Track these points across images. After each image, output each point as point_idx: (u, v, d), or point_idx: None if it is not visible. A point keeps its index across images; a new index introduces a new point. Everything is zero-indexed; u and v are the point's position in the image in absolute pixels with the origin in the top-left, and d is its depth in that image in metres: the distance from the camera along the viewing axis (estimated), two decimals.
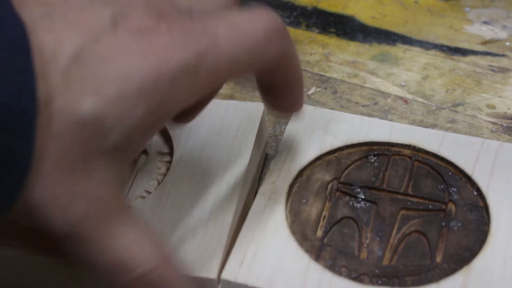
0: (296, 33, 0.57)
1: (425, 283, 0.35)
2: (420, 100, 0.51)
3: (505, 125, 0.49)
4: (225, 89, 0.53)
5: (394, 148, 0.42)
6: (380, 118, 0.49)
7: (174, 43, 0.30)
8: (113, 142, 0.29)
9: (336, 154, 0.42)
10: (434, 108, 0.51)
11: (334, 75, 0.54)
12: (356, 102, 0.51)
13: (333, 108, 0.51)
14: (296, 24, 0.58)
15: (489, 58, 0.55)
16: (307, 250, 0.37)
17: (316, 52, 0.55)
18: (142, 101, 0.29)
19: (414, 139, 0.42)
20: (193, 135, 0.43)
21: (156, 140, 0.43)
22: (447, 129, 0.49)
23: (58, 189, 0.29)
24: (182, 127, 0.43)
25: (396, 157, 0.42)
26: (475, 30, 0.58)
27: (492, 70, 0.54)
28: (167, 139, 0.43)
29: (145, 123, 0.30)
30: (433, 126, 0.49)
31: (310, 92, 0.52)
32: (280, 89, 0.36)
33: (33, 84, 0.27)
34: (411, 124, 0.49)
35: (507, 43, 0.56)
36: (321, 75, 0.54)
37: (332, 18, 0.58)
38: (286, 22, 0.58)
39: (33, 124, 0.27)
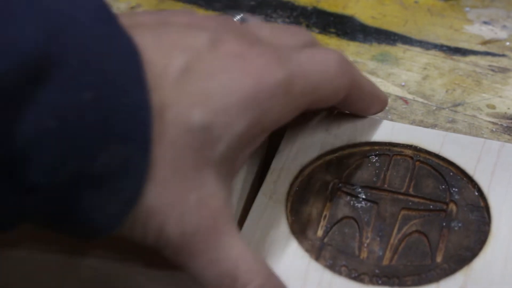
0: None
1: (425, 283, 0.36)
2: (420, 100, 0.51)
3: (505, 125, 0.49)
4: None
5: (395, 148, 0.42)
6: (380, 118, 0.49)
7: (269, 64, 0.34)
8: (220, 153, 0.32)
9: (337, 154, 0.42)
10: (434, 108, 0.51)
11: None
12: None
13: None
14: (296, 24, 0.58)
15: (489, 58, 0.55)
16: (307, 250, 0.37)
17: None
18: (245, 114, 0.32)
19: (415, 139, 0.42)
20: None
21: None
22: (447, 129, 0.49)
23: (174, 197, 0.31)
24: None
25: (397, 157, 0.42)
26: (475, 30, 0.58)
27: (492, 70, 0.54)
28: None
29: (247, 135, 0.33)
30: (433, 126, 0.49)
31: None
32: (359, 105, 0.41)
33: (148, 95, 0.30)
34: (411, 124, 0.49)
35: (507, 43, 0.56)
36: None
37: (332, 18, 0.58)
38: (286, 22, 0.58)
39: (149, 133, 0.29)
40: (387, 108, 0.51)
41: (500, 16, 0.59)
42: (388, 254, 0.37)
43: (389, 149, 0.42)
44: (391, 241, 0.38)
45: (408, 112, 0.50)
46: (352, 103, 0.41)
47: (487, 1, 0.61)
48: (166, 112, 0.30)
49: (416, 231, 0.38)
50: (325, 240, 0.38)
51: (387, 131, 0.43)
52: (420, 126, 0.49)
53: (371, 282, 0.36)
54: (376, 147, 0.42)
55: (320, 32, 0.57)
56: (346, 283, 0.36)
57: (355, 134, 0.42)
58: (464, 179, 0.40)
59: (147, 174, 0.30)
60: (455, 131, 0.49)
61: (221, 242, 0.32)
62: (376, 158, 0.42)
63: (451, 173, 0.41)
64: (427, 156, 0.42)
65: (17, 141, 0.27)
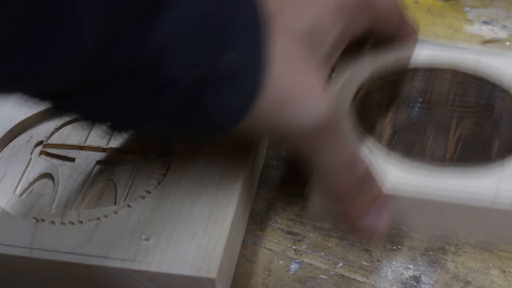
0: None
1: (485, 176, 0.39)
2: None
3: None
4: None
5: (435, 73, 0.46)
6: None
7: None
8: (322, 54, 0.37)
9: (387, 79, 0.46)
10: None
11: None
12: None
13: None
14: None
15: None
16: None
17: None
18: (339, 19, 0.38)
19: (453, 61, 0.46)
20: None
21: (155, 140, 0.43)
22: None
23: (295, 88, 0.34)
24: None
25: (438, 78, 0.46)
26: (475, 30, 0.58)
27: None
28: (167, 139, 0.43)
29: (340, 39, 0.39)
30: None
31: None
32: (398, 27, 0.45)
33: (259, 6, 0.34)
34: None
35: (507, 43, 0.56)
36: None
37: None
38: None
39: (265, 34, 0.34)
40: None
41: (500, 16, 0.59)
42: (448, 155, 0.41)
43: (429, 74, 0.46)
44: (449, 143, 0.42)
45: None
46: (402, 26, 0.45)
47: (486, 1, 0.61)
48: (273, 23, 0.34)
49: (470, 133, 0.42)
50: (390, 147, 0.41)
51: (426, 56, 0.47)
52: None
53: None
54: (417, 73, 0.46)
55: None
56: (422, 165, 0.40)
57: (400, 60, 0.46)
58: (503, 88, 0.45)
59: (268, 69, 0.33)
60: None
61: (343, 130, 0.35)
62: (421, 80, 0.46)
63: (489, 85, 0.45)
64: (465, 77, 0.46)
65: (154, 43, 0.30)
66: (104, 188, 0.41)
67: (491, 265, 0.41)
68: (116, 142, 0.44)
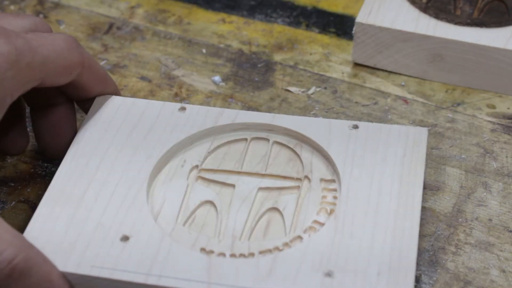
0: (296, 33, 0.57)
1: (505, 26, 0.51)
2: (420, 100, 0.51)
3: (505, 125, 0.49)
4: (224, 88, 0.53)
5: None
6: (380, 118, 0.49)
7: None
8: None
9: None
10: (434, 108, 0.51)
11: (334, 75, 0.54)
12: (356, 102, 0.51)
13: (332, 108, 0.51)
14: (296, 24, 0.58)
15: None
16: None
17: (316, 52, 0.55)
18: None
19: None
20: (358, 161, 0.42)
21: (318, 166, 0.43)
22: (447, 129, 0.49)
23: None
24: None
25: None
26: None
27: None
28: (331, 165, 0.42)
29: None
30: (433, 125, 0.49)
31: (310, 91, 0.52)
32: (94, 85, 0.45)
33: None
34: (411, 124, 0.49)
35: None
36: (321, 75, 0.54)
37: (332, 18, 0.58)
38: (286, 22, 0.58)
39: None
40: (387, 107, 0.51)
41: None
42: (476, 13, 0.51)
43: None
44: (478, 5, 0.52)
45: (408, 112, 0.50)
46: (87, 82, 0.45)
47: None
48: None
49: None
50: (429, 4, 0.48)
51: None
52: (420, 125, 0.49)
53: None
54: None
55: (320, 32, 0.57)
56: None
57: None
58: None
59: None
60: (455, 130, 0.49)
61: None
62: None
63: None
64: None
65: None
66: (270, 217, 0.40)
67: (491, 265, 0.41)
68: (274, 167, 0.43)
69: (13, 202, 0.45)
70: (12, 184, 0.46)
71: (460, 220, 0.44)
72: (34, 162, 0.48)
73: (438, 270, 0.41)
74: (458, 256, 0.42)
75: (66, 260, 0.37)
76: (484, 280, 0.40)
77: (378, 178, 0.41)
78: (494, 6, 0.53)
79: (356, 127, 0.44)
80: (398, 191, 0.40)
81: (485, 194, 0.45)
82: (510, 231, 0.43)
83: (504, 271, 0.41)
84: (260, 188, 0.42)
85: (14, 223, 0.44)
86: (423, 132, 0.43)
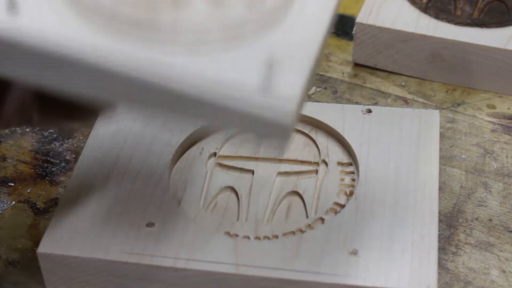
0: None
1: (505, 26, 0.50)
2: (420, 100, 0.51)
3: (505, 125, 0.49)
4: None
5: None
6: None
7: None
8: None
9: None
10: (434, 108, 0.51)
11: (334, 75, 0.54)
12: (356, 102, 0.51)
13: None
14: None
15: None
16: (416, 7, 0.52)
17: None
18: None
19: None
20: (374, 144, 0.42)
21: (334, 150, 0.43)
22: (447, 129, 0.49)
23: None
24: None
25: None
26: None
27: None
28: (347, 149, 0.43)
29: None
30: None
31: (310, 92, 0.52)
32: None
33: None
34: None
35: None
36: (321, 75, 0.54)
37: None
38: None
39: None
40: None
41: None
42: (476, 13, 0.50)
43: None
44: (478, 5, 0.51)
45: None
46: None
47: None
48: None
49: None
50: (430, 4, 0.47)
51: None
52: None
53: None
54: None
55: None
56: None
57: None
58: None
59: None
60: (455, 131, 0.49)
61: None
62: None
63: None
64: None
65: None
66: (290, 200, 0.41)
67: (491, 265, 0.41)
68: (291, 153, 0.43)
69: (13, 202, 0.45)
70: (12, 184, 0.46)
71: (460, 220, 0.44)
72: (34, 162, 0.48)
73: (439, 270, 0.41)
74: (458, 256, 0.42)
75: (95, 247, 0.38)
76: (484, 280, 0.40)
77: (395, 159, 0.42)
78: (494, 6, 0.53)
79: (369, 111, 0.45)
80: (415, 171, 0.41)
81: (485, 194, 0.45)
82: (510, 231, 0.43)
83: (504, 271, 0.41)
84: (279, 173, 0.42)
85: (14, 223, 0.44)
86: (435, 114, 0.45)
